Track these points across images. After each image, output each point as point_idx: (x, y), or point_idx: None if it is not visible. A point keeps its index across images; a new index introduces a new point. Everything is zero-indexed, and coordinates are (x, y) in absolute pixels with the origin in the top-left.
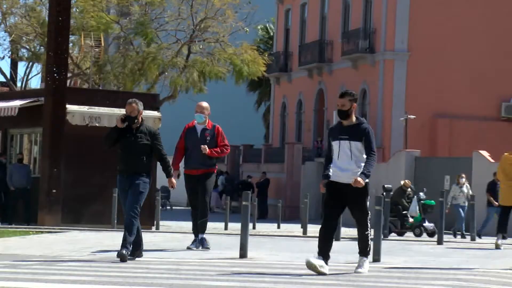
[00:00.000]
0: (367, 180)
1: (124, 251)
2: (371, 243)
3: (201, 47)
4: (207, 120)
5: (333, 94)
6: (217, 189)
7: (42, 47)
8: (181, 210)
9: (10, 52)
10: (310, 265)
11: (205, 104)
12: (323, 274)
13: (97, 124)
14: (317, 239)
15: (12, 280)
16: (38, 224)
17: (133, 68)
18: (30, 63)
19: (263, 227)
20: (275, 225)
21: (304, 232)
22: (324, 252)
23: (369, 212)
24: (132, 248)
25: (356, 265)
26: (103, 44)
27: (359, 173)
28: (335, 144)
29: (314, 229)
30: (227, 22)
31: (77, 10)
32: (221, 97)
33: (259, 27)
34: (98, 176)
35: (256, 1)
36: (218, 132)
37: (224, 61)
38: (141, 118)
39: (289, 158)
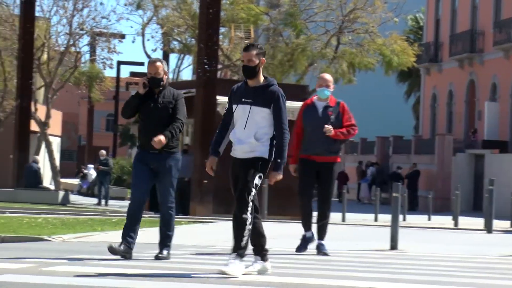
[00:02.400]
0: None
1: (165, 253)
2: (246, 240)
3: (350, 38)
4: (330, 96)
5: (485, 85)
6: (367, 180)
7: (193, 39)
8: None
9: (162, 44)
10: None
11: (328, 76)
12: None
13: None
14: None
15: (166, 269)
16: (190, 215)
17: (282, 60)
18: (182, 55)
19: (413, 218)
20: (426, 217)
21: (456, 224)
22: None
23: (253, 191)
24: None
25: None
26: (252, 36)
27: (258, 147)
28: (235, 108)
29: (465, 221)
30: (376, 13)
31: (228, 2)
32: (370, 88)
33: (409, 17)
34: None
35: None
36: (344, 109)
37: (373, 51)
38: (166, 81)
39: (439, 150)
